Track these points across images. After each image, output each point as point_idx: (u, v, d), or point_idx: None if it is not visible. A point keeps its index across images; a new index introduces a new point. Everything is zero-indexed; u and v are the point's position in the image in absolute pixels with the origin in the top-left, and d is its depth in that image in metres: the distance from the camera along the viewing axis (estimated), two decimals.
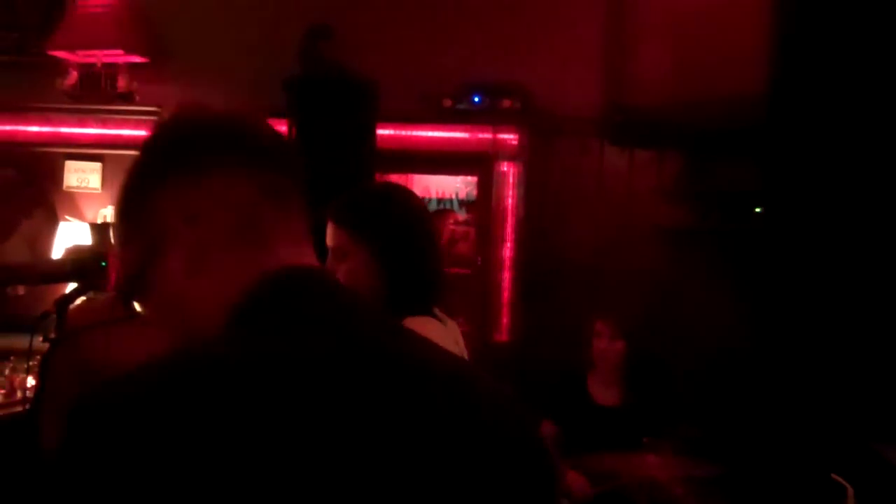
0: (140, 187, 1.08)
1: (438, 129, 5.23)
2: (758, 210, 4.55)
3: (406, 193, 2.43)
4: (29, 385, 3.24)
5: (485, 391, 1.03)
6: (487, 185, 5.16)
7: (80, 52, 5.62)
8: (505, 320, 5.05)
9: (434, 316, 2.19)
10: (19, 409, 3.18)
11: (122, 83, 5.65)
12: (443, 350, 1.08)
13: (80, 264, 2.26)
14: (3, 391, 3.35)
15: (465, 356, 2.22)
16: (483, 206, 5.19)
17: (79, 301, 2.51)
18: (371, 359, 0.94)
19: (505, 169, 5.13)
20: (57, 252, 5.47)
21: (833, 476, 2.86)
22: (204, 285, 1.03)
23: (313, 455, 0.84)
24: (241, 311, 0.98)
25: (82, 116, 5.67)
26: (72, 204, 5.80)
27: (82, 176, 5.80)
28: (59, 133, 5.72)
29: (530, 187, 5.12)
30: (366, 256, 2.15)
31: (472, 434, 0.96)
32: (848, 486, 2.81)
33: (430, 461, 0.91)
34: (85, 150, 5.75)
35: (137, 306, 1.12)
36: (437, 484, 0.91)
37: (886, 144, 4.03)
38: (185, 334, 1.05)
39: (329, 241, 2.19)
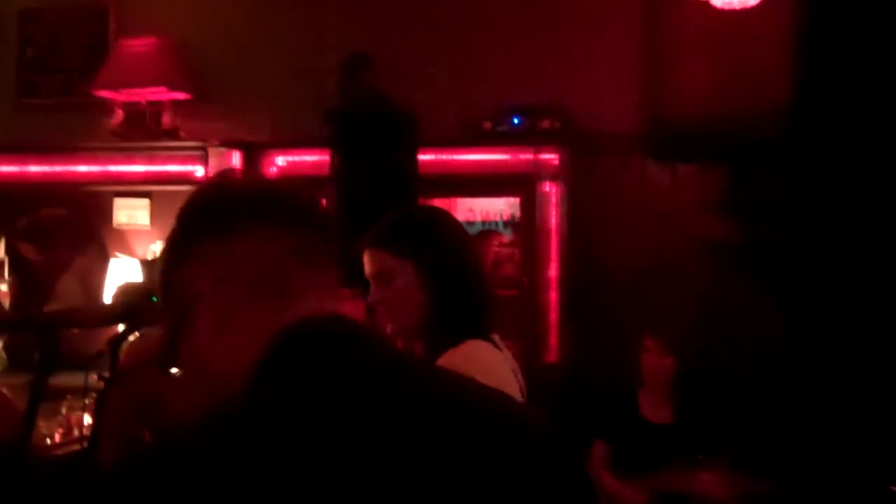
0: (173, 257, 1.14)
1: (479, 152, 5.25)
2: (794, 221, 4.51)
3: (445, 213, 2.43)
4: (85, 423, 3.29)
5: (520, 429, 1.03)
6: (531, 206, 5.16)
7: (125, 91, 5.71)
8: (553, 340, 5.03)
9: (491, 341, 2.15)
10: (76, 447, 3.22)
11: (166, 120, 5.73)
12: (475, 386, 1.09)
13: (131, 305, 2.30)
14: (60, 430, 3.39)
15: (522, 385, 2.20)
16: (527, 226, 5.19)
17: (132, 338, 2.55)
18: (389, 406, 0.96)
19: (547, 189, 5.13)
20: (108, 288, 5.54)
21: (892, 488, 2.82)
22: (228, 343, 1.07)
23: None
24: (264, 365, 1.01)
25: (129, 154, 5.75)
26: (122, 241, 5.87)
27: (131, 213, 5.88)
28: (108, 172, 5.80)
29: (573, 206, 5.11)
30: (413, 275, 2.13)
31: (503, 474, 0.96)
32: None
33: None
34: (133, 188, 5.83)
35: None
36: None
37: None
38: (214, 391, 1.09)
39: (369, 268, 2.18)
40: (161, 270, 1.15)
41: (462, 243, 2.24)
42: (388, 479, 0.89)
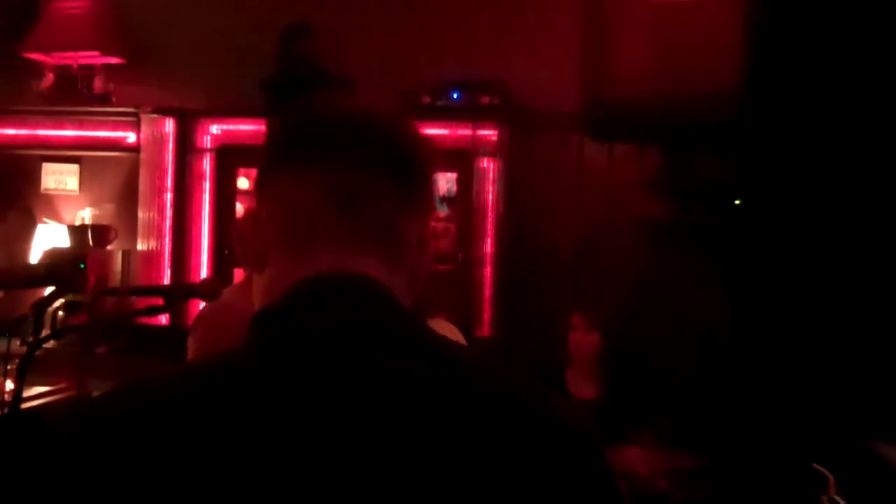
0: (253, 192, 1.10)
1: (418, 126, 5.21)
2: (737, 202, 4.57)
3: None
4: (7, 389, 3.21)
5: (541, 423, 0.91)
6: (467, 182, 5.16)
7: (56, 54, 5.59)
8: (486, 316, 5.05)
9: None
10: None
11: (98, 84, 5.62)
12: (504, 373, 0.97)
13: (55, 268, 2.24)
14: None
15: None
16: (463, 202, 5.19)
17: (57, 304, 2.49)
18: (358, 381, 0.87)
19: (485, 165, 5.13)
20: (34, 254, 5.44)
21: (814, 465, 2.87)
22: (259, 283, 1.04)
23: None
24: (257, 321, 0.95)
25: (59, 118, 5.64)
26: (49, 206, 5.77)
27: (59, 178, 5.77)
28: (36, 135, 5.69)
29: (510, 183, 5.12)
30: None
31: (505, 469, 0.86)
32: (829, 474, 2.82)
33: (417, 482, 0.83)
34: (62, 153, 5.72)
35: None
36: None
37: (870, 140, 4.05)
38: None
39: None
40: None
41: None
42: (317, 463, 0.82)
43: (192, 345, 2.58)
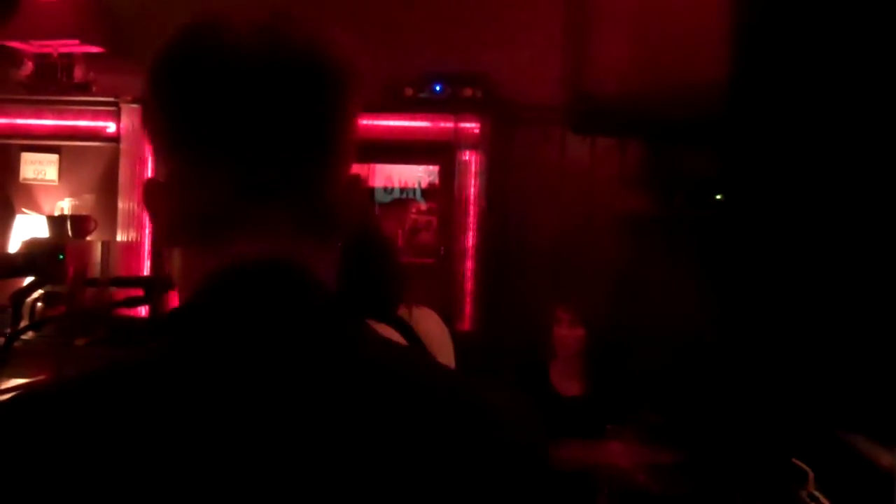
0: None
1: (400, 119, 5.21)
2: (718, 197, 4.57)
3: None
4: None
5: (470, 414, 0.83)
6: (449, 175, 5.16)
7: (36, 42, 5.53)
8: (468, 309, 5.05)
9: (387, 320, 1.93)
10: None
11: (78, 73, 5.57)
12: (432, 366, 0.90)
13: (34, 259, 2.23)
14: None
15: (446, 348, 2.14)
16: (445, 195, 5.18)
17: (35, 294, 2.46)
18: (265, 375, 0.80)
19: (467, 158, 5.12)
20: (13, 245, 5.40)
21: (794, 461, 2.88)
22: (174, 266, 0.93)
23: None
24: (165, 323, 0.87)
25: (38, 107, 5.59)
26: (28, 196, 5.72)
27: (39, 168, 5.73)
28: (15, 125, 5.64)
29: (492, 176, 5.11)
30: None
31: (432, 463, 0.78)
32: (809, 470, 2.83)
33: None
34: (41, 142, 5.67)
35: None
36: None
37: (848, 133, 4.06)
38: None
39: None
40: None
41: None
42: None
43: None
